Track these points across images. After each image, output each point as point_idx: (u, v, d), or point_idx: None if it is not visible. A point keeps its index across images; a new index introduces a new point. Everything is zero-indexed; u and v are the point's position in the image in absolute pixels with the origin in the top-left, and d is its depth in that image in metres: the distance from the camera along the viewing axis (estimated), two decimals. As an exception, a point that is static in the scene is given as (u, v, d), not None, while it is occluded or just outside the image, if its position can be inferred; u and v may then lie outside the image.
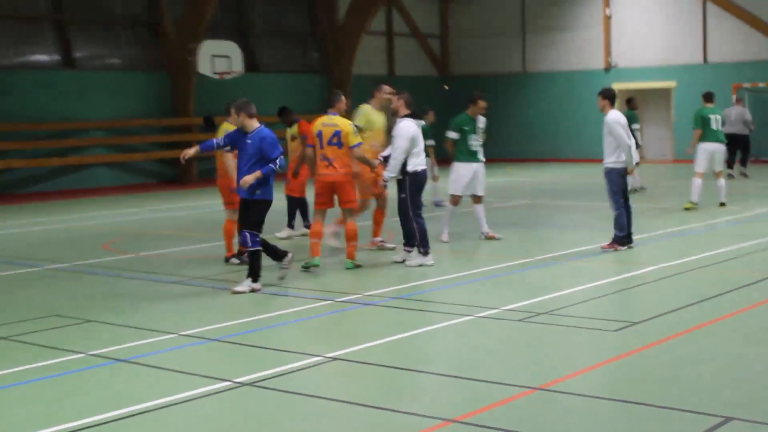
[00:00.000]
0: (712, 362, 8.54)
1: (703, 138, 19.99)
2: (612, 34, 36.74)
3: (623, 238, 14.64)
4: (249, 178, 11.69)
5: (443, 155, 20.21)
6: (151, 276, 13.63)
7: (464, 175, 15.73)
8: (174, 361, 8.93)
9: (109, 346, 9.45)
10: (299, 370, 8.49)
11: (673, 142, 35.04)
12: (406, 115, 13.81)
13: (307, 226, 16.67)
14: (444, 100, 40.28)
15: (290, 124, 17.24)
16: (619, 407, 7.32)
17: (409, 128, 13.66)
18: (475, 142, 15.85)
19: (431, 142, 21.95)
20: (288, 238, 16.78)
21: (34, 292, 12.82)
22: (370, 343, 9.42)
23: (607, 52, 36.82)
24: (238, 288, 11.99)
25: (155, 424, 7.23)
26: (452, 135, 15.82)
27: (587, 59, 37.33)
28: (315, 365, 8.63)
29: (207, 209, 19.60)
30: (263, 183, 11.88)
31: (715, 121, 20.10)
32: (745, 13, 33.73)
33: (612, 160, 14.56)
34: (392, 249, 14.89)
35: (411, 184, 13.69)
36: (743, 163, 28.15)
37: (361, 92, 36.52)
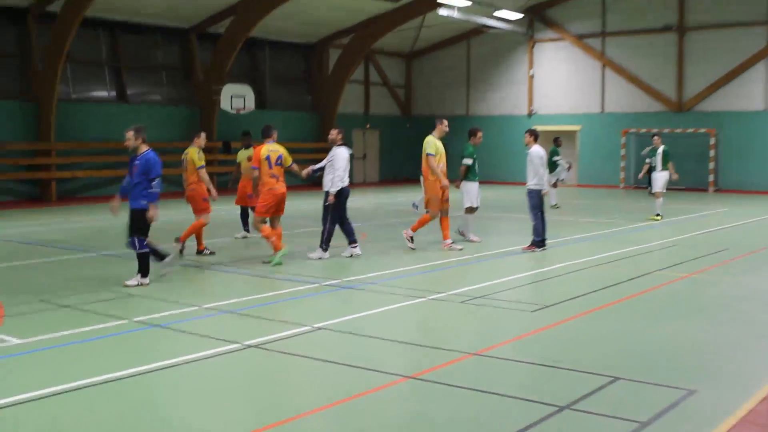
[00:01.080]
0: (606, 335, 8.60)
1: (666, 168, 20.35)
2: (534, 88, 36.90)
3: (539, 242, 14.70)
4: (154, 213, 11.05)
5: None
6: (181, 262, 13.55)
7: (474, 191, 15.72)
8: (197, 327, 8.90)
9: (147, 315, 9.41)
10: (293, 336, 8.47)
11: (578, 171, 35.21)
12: (341, 144, 13.80)
13: (248, 230, 16.39)
14: (405, 133, 40.36)
15: (247, 147, 16.57)
16: (534, 368, 7.34)
17: (345, 153, 13.73)
18: (476, 166, 15.84)
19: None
20: (242, 237, 16.46)
21: (91, 272, 12.72)
22: (345, 317, 9.42)
23: (530, 102, 36.96)
24: (130, 282, 11.17)
25: (184, 375, 7.22)
26: (468, 161, 15.67)
27: (514, 107, 37.45)
28: (305, 333, 8.61)
29: (223, 212, 19.48)
30: (147, 196, 11.07)
31: None
32: (632, 76, 33.99)
33: (533, 183, 14.61)
34: (460, 250, 14.68)
35: (338, 196, 13.69)
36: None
37: (344, 126, 36.53)
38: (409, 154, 39.52)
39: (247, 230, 16.55)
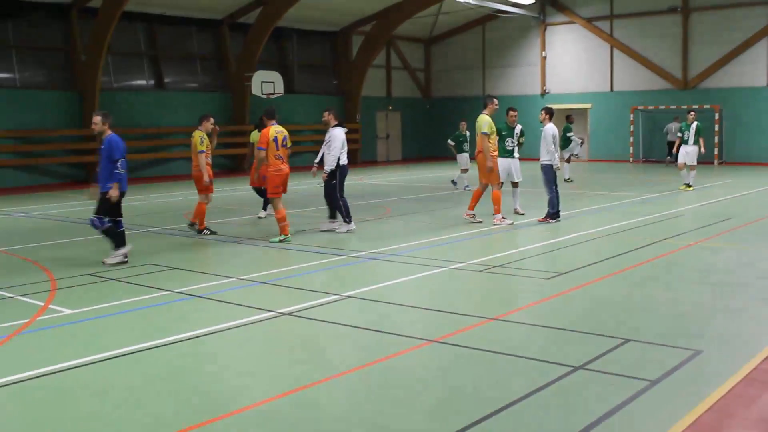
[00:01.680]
0: (616, 300, 8.58)
1: (698, 143, 20.69)
2: (546, 69, 36.63)
3: (554, 214, 14.66)
4: (115, 193, 10.71)
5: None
6: (217, 237, 13.64)
7: (502, 167, 15.13)
8: (235, 297, 8.96)
9: (188, 286, 9.50)
10: (323, 304, 8.52)
11: (589, 146, 35.00)
12: (336, 125, 13.68)
13: (265, 209, 15.94)
14: (426, 114, 40.27)
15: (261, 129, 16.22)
16: (550, 332, 7.36)
17: (341, 134, 13.60)
18: (510, 143, 15.42)
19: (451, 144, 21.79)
20: (265, 217, 15.87)
21: (135, 247, 12.79)
22: (372, 286, 9.46)
23: (543, 82, 36.69)
24: (110, 260, 10.94)
25: (223, 340, 7.29)
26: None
27: (528, 87, 37.20)
28: (334, 301, 8.66)
29: (247, 192, 19.50)
30: (113, 179, 10.74)
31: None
32: (639, 56, 33.66)
33: (546, 158, 14.55)
34: (480, 222, 14.51)
35: (340, 174, 13.63)
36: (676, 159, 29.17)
37: (367, 108, 36.65)
38: (429, 134, 39.65)
39: (265, 208, 16.08)
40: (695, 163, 20.80)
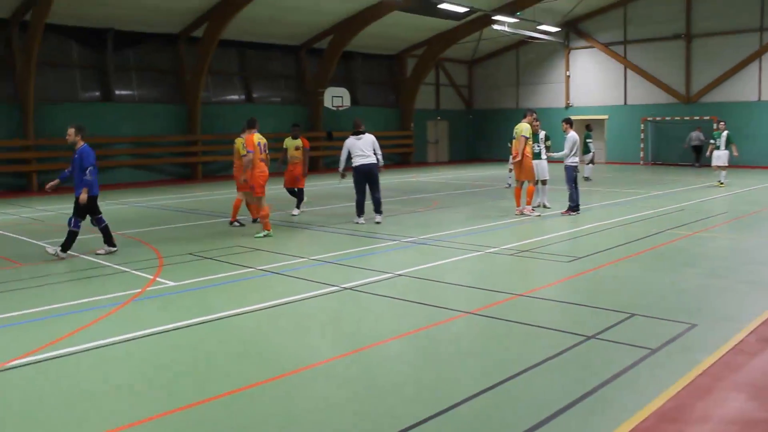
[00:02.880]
0: (626, 280, 8.40)
1: (729, 148, 20.75)
2: (570, 86, 36.00)
3: (574, 207, 14.42)
4: (83, 197, 10.11)
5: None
6: (291, 224, 13.71)
7: (536, 167, 14.85)
8: (306, 274, 9.00)
9: (269, 264, 9.58)
10: (379, 281, 8.52)
11: (606, 151, 34.41)
12: (355, 133, 13.46)
13: (299, 207, 15.22)
14: (468, 123, 39.97)
15: (295, 137, 15.18)
16: (567, 306, 7.24)
17: (347, 142, 13.41)
18: (537, 147, 14.94)
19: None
20: (299, 215, 15.04)
21: (227, 232, 12.97)
22: (419, 266, 9.41)
23: (567, 96, 36.07)
24: (49, 250, 10.18)
25: (296, 309, 7.32)
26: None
27: (555, 101, 36.60)
28: (388, 279, 8.64)
29: (319, 186, 19.62)
30: (83, 186, 10.10)
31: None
32: (648, 74, 32.90)
33: (569, 161, 14.32)
34: (538, 216, 14.15)
35: (354, 174, 13.46)
36: (699, 160, 29.77)
37: (420, 119, 36.52)
38: (471, 140, 39.41)
39: (298, 207, 15.29)
40: (726, 164, 20.73)
